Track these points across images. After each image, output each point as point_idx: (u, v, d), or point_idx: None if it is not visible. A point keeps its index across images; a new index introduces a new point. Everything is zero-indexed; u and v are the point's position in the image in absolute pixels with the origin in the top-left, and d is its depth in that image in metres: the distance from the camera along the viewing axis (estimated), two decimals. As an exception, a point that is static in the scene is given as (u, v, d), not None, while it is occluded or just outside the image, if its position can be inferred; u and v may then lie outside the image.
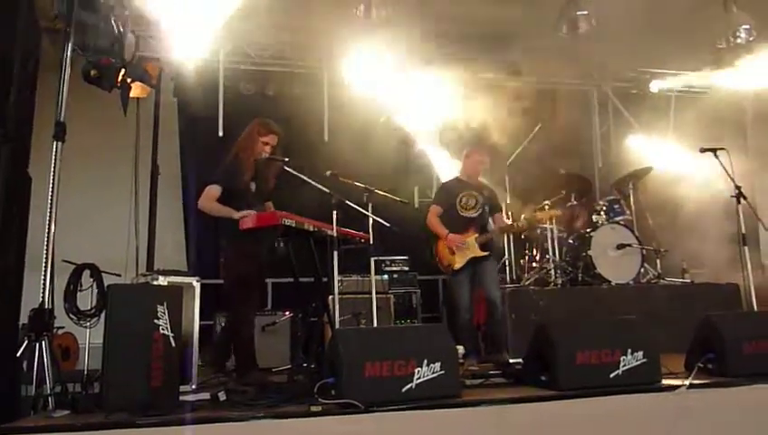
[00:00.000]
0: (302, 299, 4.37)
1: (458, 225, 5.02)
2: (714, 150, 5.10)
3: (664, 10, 6.10)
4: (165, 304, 3.19)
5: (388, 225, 4.54)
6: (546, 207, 5.94)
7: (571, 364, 3.35)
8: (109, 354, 3.00)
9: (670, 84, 7.83)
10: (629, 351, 3.45)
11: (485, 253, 4.99)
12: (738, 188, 4.97)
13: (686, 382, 3.36)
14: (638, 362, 3.45)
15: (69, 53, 3.32)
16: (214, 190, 4.07)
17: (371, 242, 4.37)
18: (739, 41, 6.38)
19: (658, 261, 6.44)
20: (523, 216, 5.26)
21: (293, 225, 3.75)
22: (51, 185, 3.18)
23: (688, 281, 6.37)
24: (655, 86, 7.85)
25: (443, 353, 3.21)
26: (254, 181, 4.24)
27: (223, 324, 5.36)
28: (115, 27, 3.82)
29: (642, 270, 6.06)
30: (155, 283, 3.85)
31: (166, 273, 4.02)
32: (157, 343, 3.11)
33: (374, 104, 6.92)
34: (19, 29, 3.00)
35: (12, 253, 3.10)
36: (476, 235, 4.98)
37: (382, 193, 4.60)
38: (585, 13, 5.97)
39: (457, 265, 4.94)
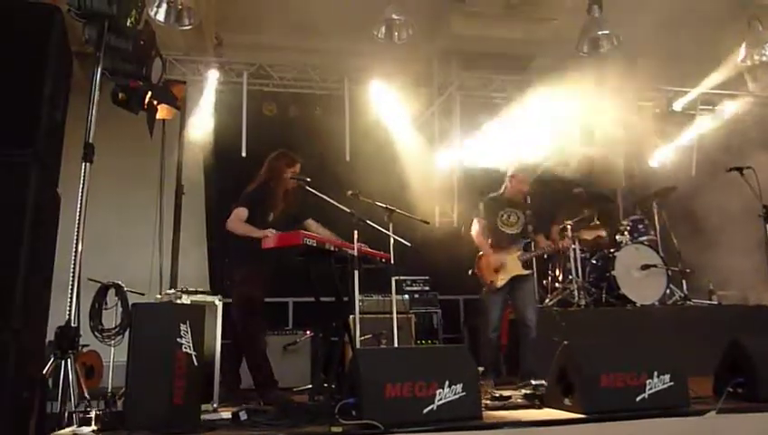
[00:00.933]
0: (323, 319, 4.37)
1: (500, 241, 4.99)
2: (740, 169, 5.03)
3: (687, 28, 6.08)
4: (188, 322, 3.21)
5: (408, 244, 4.54)
6: (569, 227, 5.85)
7: (596, 387, 3.29)
8: (132, 372, 3.03)
9: (694, 102, 7.76)
10: (656, 374, 3.37)
11: (527, 271, 4.96)
12: (766, 207, 4.88)
13: (715, 407, 3.27)
14: (665, 386, 3.37)
15: (98, 77, 3.42)
16: (242, 212, 4.20)
17: (392, 262, 4.38)
18: (765, 58, 6.31)
19: (684, 282, 6.33)
20: (567, 234, 5.18)
21: (315, 244, 3.77)
22: (79, 205, 3.25)
23: (716, 302, 6.24)
24: (678, 104, 7.78)
25: (465, 375, 3.18)
26: (273, 211, 4.33)
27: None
28: (143, 51, 3.92)
29: (668, 291, 5.96)
30: (178, 301, 3.89)
31: (189, 292, 4.06)
32: (179, 362, 3.12)
33: (395, 124, 6.98)
34: (51, 52, 3.09)
35: (41, 271, 3.16)
36: (519, 252, 4.94)
37: (403, 213, 4.61)
38: (607, 32, 5.96)
39: (500, 283, 4.88)
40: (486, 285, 4.93)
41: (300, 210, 4.50)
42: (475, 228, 5.08)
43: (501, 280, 4.87)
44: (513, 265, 4.90)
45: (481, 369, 4.40)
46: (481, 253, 5.10)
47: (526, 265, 4.95)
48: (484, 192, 5.42)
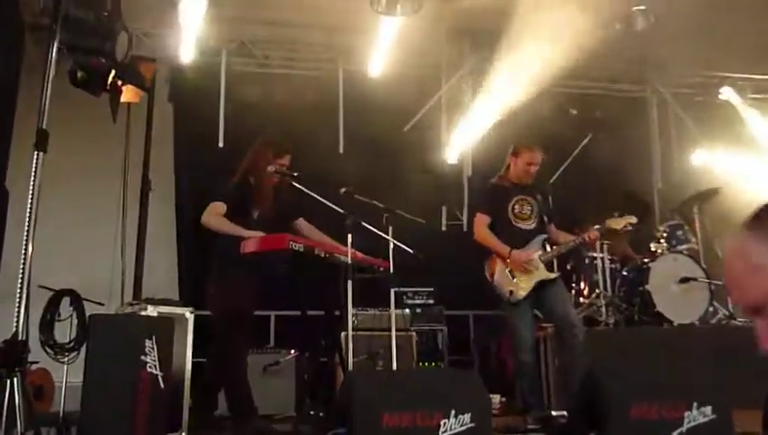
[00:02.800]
0: (311, 336, 4.38)
1: (514, 239, 4.62)
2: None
3: (735, 6, 6.09)
4: (153, 338, 3.22)
5: (411, 251, 4.54)
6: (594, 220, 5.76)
7: (626, 419, 3.29)
8: (88, 395, 3.04)
9: (742, 90, 7.77)
10: (695, 404, 3.38)
11: (554, 274, 4.62)
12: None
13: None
14: (706, 419, 3.38)
15: (54, 53, 3.41)
16: (219, 207, 4.17)
17: (391, 270, 4.37)
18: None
19: (729, 298, 6.34)
20: (596, 226, 4.87)
21: (302, 250, 3.77)
22: (30, 200, 3.25)
23: (766, 322, 6.24)
24: (725, 93, 7.80)
25: (474, 403, 3.18)
26: (257, 208, 4.32)
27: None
28: (106, 24, 3.92)
29: (710, 309, 5.96)
30: (143, 313, 3.89)
31: (155, 302, 4.06)
32: (143, 383, 3.13)
33: (396, 111, 6.99)
34: None
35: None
36: (539, 251, 4.63)
37: (404, 214, 4.61)
38: (643, 8, 5.97)
39: (522, 292, 4.52)
40: (506, 297, 4.55)
41: (289, 208, 4.49)
42: (480, 225, 4.70)
43: (522, 289, 4.54)
44: (536, 267, 4.60)
45: (498, 398, 4.34)
46: (492, 255, 4.71)
47: (550, 266, 4.66)
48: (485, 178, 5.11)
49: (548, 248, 4.74)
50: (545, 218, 4.79)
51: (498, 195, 4.76)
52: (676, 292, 5.82)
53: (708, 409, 3.39)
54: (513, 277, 4.59)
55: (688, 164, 7.85)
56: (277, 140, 4.51)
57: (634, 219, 5.02)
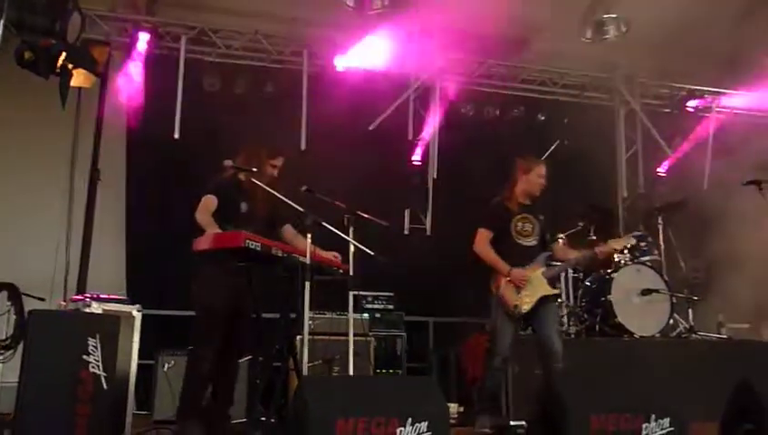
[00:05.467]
0: (264, 339, 4.34)
1: (516, 255, 4.79)
2: (758, 183, 5.18)
3: (705, 19, 6.26)
4: (97, 336, 3.16)
5: (371, 253, 4.54)
6: (560, 241, 5.90)
7: (585, 429, 3.35)
8: (25, 396, 2.96)
9: (710, 103, 7.97)
10: (653, 417, 3.45)
11: (555, 290, 4.87)
12: (787, 228, 5.05)
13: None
14: (664, 431, 3.45)
15: (0, 31, 3.33)
16: (210, 201, 4.14)
17: (351, 273, 4.36)
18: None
19: (691, 311, 6.49)
20: (598, 248, 5.05)
21: (259, 248, 3.74)
22: (-33, 186, 3.16)
23: (725, 336, 6.41)
24: (692, 105, 7.98)
25: (432, 411, 3.19)
26: (246, 202, 4.29)
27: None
28: (58, 3, 3.84)
29: (671, 321, 6.09)
30: (87, 310, 3.82)
31: (101, 299, 3.99)
32: (85, 384, 3.07)
33: (362, 109, 6.99)
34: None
35: None
36: (542, 268, 4.80)
37: (365, 216, 4.61)
38: (614, 16, 6.08)
39: (526, 307, 4.68)
40: (510, 310, 4.71)
41: (276, 213, 4.46)
42: (481, 241, 4.86)
43: (527, 303, 4.70)
44: (538, 283, 4.76)
45: (456, 406, 4.34)
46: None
47: (552, 282, 4.85)
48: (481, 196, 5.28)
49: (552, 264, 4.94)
50: (547, 236, 4.96)
51: (502, 213, 4.91)
52: (638, 303, 5.93)
53: (666, 421, 3.47)
54: (519, 292, 4.74)
55: (654, 175, 8.02)
56: (273, 142, 4.53)
57: (634, 241, 5.24)
